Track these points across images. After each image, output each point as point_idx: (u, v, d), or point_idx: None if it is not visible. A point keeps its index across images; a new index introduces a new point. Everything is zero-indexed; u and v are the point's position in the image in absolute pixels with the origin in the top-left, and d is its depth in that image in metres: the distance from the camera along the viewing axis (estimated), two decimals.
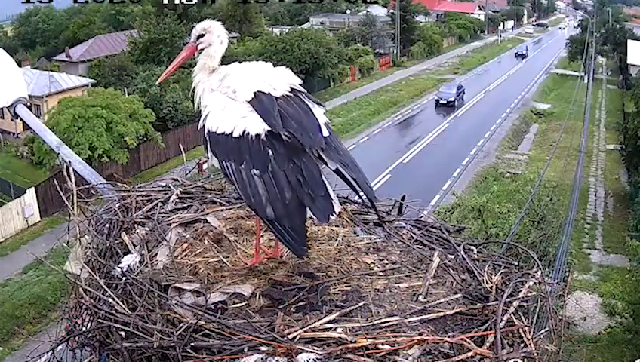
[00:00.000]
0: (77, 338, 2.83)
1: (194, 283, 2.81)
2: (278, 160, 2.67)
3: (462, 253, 3.22)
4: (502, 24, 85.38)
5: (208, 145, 2.83)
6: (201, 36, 3.07)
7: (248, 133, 2.71)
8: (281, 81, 2.90)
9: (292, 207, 2.64)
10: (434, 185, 24.47)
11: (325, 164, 2.77)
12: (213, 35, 3.05)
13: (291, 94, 2.87)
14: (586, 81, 47.57)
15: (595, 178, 28.66)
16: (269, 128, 2.70)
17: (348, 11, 62.53)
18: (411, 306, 2.73)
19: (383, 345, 2.39)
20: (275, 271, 3.00)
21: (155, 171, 25.74)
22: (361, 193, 2.86)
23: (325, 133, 2.81)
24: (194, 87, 3.03)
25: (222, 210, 3.64)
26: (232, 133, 2.74)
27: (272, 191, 2.65)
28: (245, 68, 3.00)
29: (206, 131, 2.83)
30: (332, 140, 2.82)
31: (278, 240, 2.80)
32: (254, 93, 2.79)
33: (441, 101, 39.33)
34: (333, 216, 2.70)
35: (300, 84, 2.96)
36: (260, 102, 2.77)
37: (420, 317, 2.63)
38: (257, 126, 2.72)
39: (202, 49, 3.07)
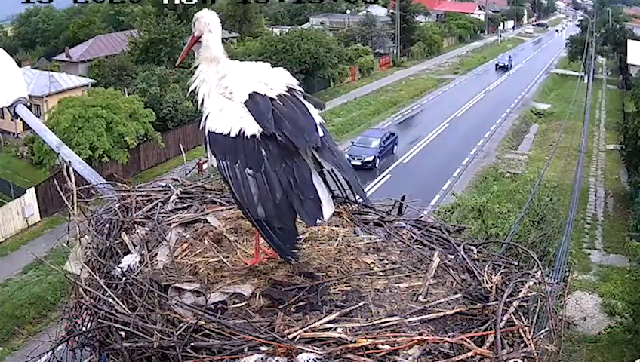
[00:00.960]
0: (77, 338, 2.83)
1: (194, 283, 2.81)
2: (271, 160, 2.69)
3: (462, 253, 3.22)
4: (502, 24, 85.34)
5: (208, 145, 2.86)
6: (194, 25, 3.13)
7: (244, 133, 2.73)
8: (278, 81, 2.91)
9: (283, 207, 2.66)
10: (434, 185, 24.46)
11: (319, 164, 2.78)
12: (201, 23, 3.08)
13: (288, 93, 2.88)
14: (586, 81, 47.58)
15: (595, 178, 28.66)
16: (263, 131, 2.72)
17: (348, 11, 62.52)
18: (411, 306, 2.73)
19: (383, 345, 2.39)
20: (275, 271, 3.00)
21: (155, 171, 25.74)
22: (354, 194, 2.89)
23: (320, 133, 2.82)
24: (195, 76, 3.05)
25: (222, 210, 3.64)
26: (229, 133, 2.76)
27: (263, 190, 2.66)
28: (243, 68, 3.02)
29: (206, 131, 2.86)
30: (326, 141, 2.83)
31: (267, 243, 2.80)
32: (249, 95, 2.81)
33: (353, 161, 24.23)
34: (320, 220, 2.71)
35: (297, 85, 2.98)
36: (255, 103, 2.79)
37: (420, 317, 2.63)
38: (253, 126, 2.74)
39: (199, 37, 3.10)
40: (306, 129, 2.75)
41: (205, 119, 2.88)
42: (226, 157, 2.76)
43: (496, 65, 55.49)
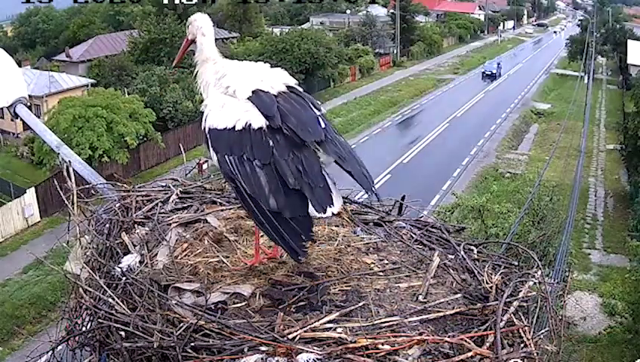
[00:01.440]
0: (77, 338, 2.83)
1: (194, 283, 2.81)
2: (279, 150, 2.67)
3: (462, 253, 3.21)
4: (502, 24, 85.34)
5: (209, 143, 2.84)
6: (187, 28, 3.18)
7: (250, 126, 2.73)
8: (277, 80, 2.93)
9: (294, 198, 2.63)
10: (434, 185, 24.48)
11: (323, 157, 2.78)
12: (195, 26, 3.13)
13: (287, 91, 2.90)
14: (586, 81, 47.58)
15: (595, 178, 28.67)
16: (269, 123, 2.72)
17: (348, 11, 62.55)
18: (411, 306, 2.73)
19: (383, 345, 2.39)
20: (275, 271, 3.00)
21: (155, 171, 25.75)
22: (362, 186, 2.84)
23: (322, 125, 2.82)
24: (198, 80, 3.10)
25: (222, 210, 3.64)
26: (234, 127, 2.75)
27: (273, 182, 2.64)
28: (242, 67, 3.04)
29: (207, 129, 2.84)
30: (328, 132, 2.82)
31: (275, 240, 2.70)
32: (253, 92, 2.83)
33: None
34: (331, 207, 2.67)
35: (296, 84, 2.99)
36: (260, 98, 2.80)
37: (420, 317, 2.63)
38: (259, 119, 2.74)
39: (193, 40, 3.15)
40: (308, 123, 2.76)
41: (205, 118, 2.88)
42: (232, 151, 2.73)
43: (483, 73, 49.17)
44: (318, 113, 2.87)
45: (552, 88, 48.60)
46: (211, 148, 2.83)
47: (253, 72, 2.98)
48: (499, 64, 50.56)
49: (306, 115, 2.80)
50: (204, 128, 2.86)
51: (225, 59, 3.11)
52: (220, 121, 2.80)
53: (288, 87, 2.92)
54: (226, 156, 2.74)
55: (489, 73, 48.73)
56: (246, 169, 2.68)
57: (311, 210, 2.64)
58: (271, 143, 2.68)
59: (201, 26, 3.11)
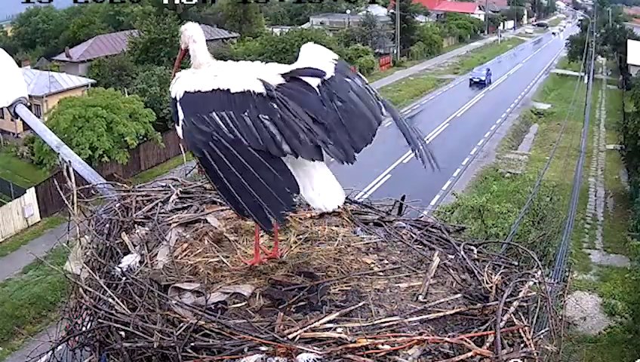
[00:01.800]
0: (77, 338, 2.83)
1: (194, 283, 2.81)
2: (284, 112, 2.66)
3: (462, 253, 3.22)
4: (502, 24, 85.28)
5: (179, 106, 2.73)
6: (180, 38, 3.23)
7: (252, 90, 2.70)
8: (273, 73, 2.93)
9: (309, 145, 2.60)
10: (434, 185, 24.42)
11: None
12: (186, 35, 3.17)
13: (284, 81, 2.88)
14: (586, 81, 47.55)
15: (595, 178, 28.65)
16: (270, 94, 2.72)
17: (348, 11, 62.56)
18: (411, 306, 2.73)
19: (383, 345, 2.40)
20: (275, 271, 3.00)
21: (155, 171, 25.73)
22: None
23: (324, 103, 2.80)
24: None
25: (222, 210, 3.64)
26: (228, 90, 2.70)
27: (285, 130, 2.60)
28: (237, 65, 3.05)
29: (181, 93, 2.75)
30: (329, 110, 2.80)
31: (242, 212, 2.56)
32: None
33: None
34: (352, 162, 2.69)
35: (291, 69, 2.97)
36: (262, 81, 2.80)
37: (420, 317, 2.63)
38: (261, 87, 2.72)
39: (186, 49, 3.19)
40: (308, 107, 2.76)
41: (177, 87, 2.79)
42: (226, 107, 2.65)
43: (471, 80, 45.76)
44: (316, 85, 2.85)
45: (552, 88, 48.56)
46: (183, 110, 2.73)
47: (249, 68, 2.99)
48: (488, 70, 47.23)
49: (306, 100, 2.80)
50: (175, 95, 2.76)
51: (219, 61, 3.13)
52: (203, 85, 2.73)
53: (284, 75, 2.90)
54: (218, 112, 2.64)
55: (477, 80, 45.41)
56: (247, 122, 2.61)
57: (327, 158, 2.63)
58: (275, 107, 2.67)
59: (192, 35, 3.15)
